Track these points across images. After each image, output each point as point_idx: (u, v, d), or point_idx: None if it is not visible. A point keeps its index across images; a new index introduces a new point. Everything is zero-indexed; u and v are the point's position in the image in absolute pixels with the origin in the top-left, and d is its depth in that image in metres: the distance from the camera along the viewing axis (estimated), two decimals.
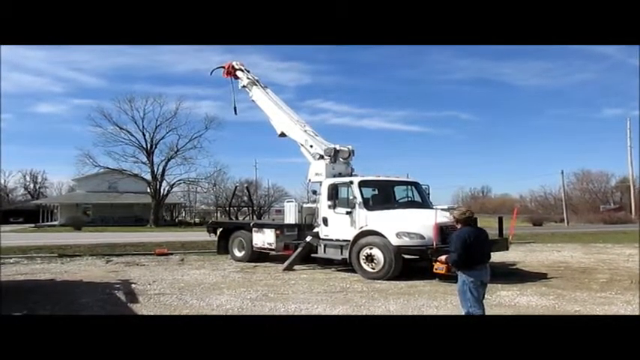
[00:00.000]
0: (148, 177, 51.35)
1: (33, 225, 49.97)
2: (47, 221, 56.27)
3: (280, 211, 23.64)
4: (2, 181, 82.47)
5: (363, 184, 13.03)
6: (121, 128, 50.06)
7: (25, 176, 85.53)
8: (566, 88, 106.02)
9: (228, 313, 8.09)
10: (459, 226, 6.12)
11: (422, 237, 11.40)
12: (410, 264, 11.77)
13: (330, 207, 13.02)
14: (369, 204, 12.79)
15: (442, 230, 11.17)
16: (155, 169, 51.20)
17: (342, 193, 13.08)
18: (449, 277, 7.53)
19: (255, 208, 28.39)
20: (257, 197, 55.93)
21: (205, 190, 58.52)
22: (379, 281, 11.21)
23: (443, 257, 6.43)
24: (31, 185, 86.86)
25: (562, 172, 61.02)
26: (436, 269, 6.67)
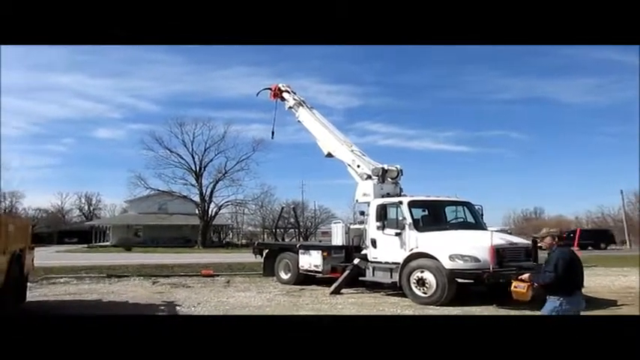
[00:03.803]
0: (197, 199, 52.21)
1: (86, 245, 51.53)
2: (100, 241, 57.99)
3: (327, 233, 23.34)
4: (59, 203, 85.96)
5: (412, 205, 12.50)
6: (171, 151, 51.37)
7: (80, 198, 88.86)
8: (620, 105, 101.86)
9: None
10: (554, 245, 5.50)
11: (477, 260, 10.73)
12: (465, 289, 11.09)
13: (378, 228, 12.56)
14: (420, 225, 12.20)
15: (498, 253, 10.57)
16: (203, 191, 52.11)
17: (391, 213, 12.59)
18: (515, 303, 6.77)
19: (301, 230, 28.25)
20: (303, 219, 55.89)
21: (252, 212, 59.11)
22: (432, 307, 10.60)
23: (525, 276, 5.83)
24: (86, 207, 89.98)
25: (621, 192, 57.87)
26: (515, 287, 5.99)
